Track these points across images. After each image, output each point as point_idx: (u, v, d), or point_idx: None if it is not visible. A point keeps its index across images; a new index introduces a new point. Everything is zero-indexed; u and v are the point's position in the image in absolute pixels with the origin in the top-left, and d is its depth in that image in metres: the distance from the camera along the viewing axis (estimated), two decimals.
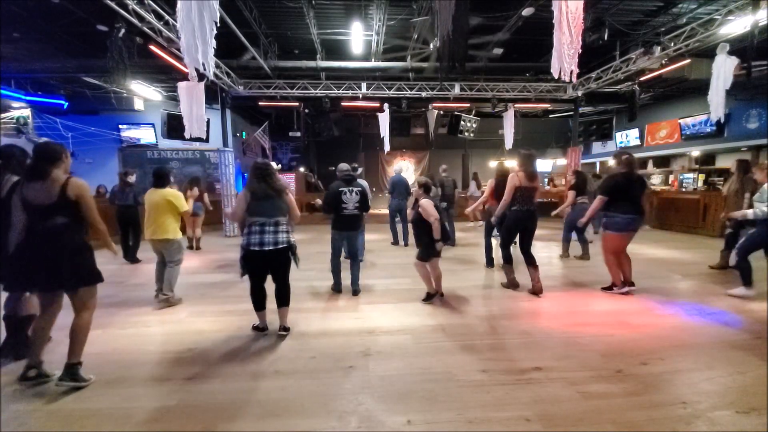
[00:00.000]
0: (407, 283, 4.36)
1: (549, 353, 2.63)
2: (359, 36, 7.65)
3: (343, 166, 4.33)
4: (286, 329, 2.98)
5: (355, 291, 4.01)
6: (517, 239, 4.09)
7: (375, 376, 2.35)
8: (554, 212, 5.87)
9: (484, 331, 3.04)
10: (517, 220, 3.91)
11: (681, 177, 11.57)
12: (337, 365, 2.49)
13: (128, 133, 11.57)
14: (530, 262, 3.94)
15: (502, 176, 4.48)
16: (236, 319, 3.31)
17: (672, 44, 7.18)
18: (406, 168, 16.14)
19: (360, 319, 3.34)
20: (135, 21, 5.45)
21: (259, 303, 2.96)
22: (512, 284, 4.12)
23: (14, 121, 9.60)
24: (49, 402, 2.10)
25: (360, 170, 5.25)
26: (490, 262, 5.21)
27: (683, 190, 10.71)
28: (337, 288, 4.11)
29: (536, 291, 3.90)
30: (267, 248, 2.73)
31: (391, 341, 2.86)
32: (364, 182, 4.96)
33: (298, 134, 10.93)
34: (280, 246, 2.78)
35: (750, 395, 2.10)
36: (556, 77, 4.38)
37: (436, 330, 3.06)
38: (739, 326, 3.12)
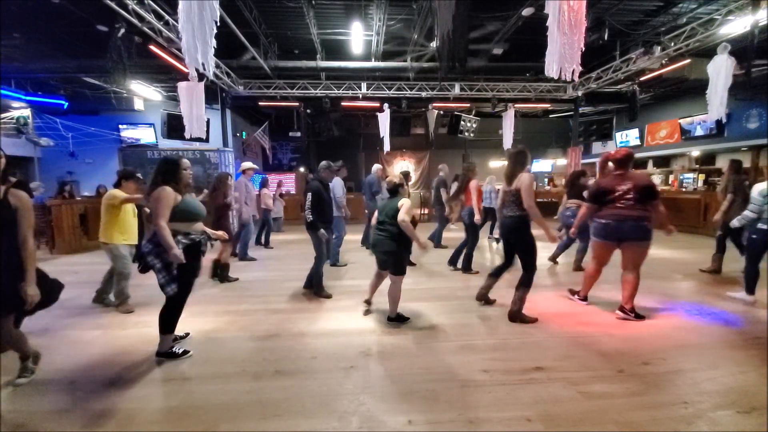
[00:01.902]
0: (407, 283, 4.32)
1: (550, 353, 2.63)
2: (359, 36, 7.65)
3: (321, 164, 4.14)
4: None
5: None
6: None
7: (376, 376, 2.35)
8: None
9: (485, 332, 3.04)
10: (500, 227, 3.50)
11: (681, 177, 11.58)
12: (337, 365, 2.48)
13: (128, 133, 11.57)
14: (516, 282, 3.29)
15: (465, 174, 4.79)
16: (237, 319, 3.31)
17: (672, 44, 7.18)
18: (406, 168, 16.14)
19: (361, 319, 3.33)
20: (135, 21, 5.45)
21: None
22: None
23: (14, 121, 9.59)
24: (49, 402, 2.09)
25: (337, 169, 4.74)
26: (460, 265, 5.00)
27: (683, 190, 10.72)
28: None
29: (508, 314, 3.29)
30: None
31: (391, 341, 2.86)
32: (337, 180, 4.86)
33: (298, 134, 10.94)
34: None
35: (751, 395, 2.10)
36: (555, 77, 4.35)
37: (437, 330, 3.06)
38: (740, 326, 3.12)
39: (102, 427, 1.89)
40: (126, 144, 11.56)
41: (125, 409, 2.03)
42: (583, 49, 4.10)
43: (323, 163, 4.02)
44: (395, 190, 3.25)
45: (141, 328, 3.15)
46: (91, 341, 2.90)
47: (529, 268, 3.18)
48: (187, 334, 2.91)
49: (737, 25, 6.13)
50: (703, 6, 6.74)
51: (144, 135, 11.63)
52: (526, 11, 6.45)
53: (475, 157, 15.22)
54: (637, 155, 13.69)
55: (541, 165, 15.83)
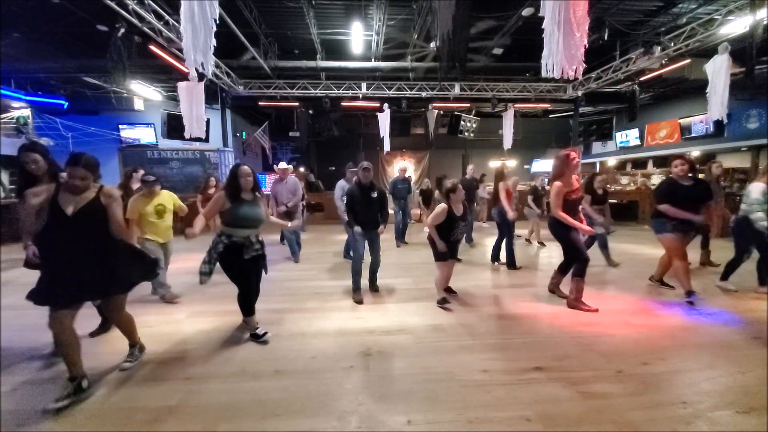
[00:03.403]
0: (407, 283, 4.36)
1: (549, 353, 2.63)
2: (359, 36, 7.65)
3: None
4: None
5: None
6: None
7: (375, 376, 2.35)
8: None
9: (484, 331, 3.04)
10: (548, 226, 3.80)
11: None
12: (337, 365, 2.48)
13: (128, 133, 11.56)
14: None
15: (497, 177, 5.07)
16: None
17: (672, 44, 7.19)
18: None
19: (360, 319, 3.34)
20: (135, 21, 5.45)
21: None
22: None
23: (14, 121, 9.60)
24: (48, 401, 2.09)
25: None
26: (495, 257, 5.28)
27: None
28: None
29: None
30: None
31: (391, 341, 2.86)
32: (340, 183, 5.10)
33: (298, 134, 10.94)
34: None
35: (750, 395, 2.10)
36: (557, 77, 4.34)
37: (437, 330, 3.06)
38: (739, 326, 3.12)
39: (101, 427, 1.89)
40: (126, 144, 11.55)
41: (124, 409, 2.03)
42: (586, 46, 4.09)
43: (361, 164, 3.98)
44: (447, 196, 3.55)
45: (141, 328, 3.14)
46: (91, 340, 2.90)
47: (576, 260, 3.57)
48: (265, 333, 2.94)
49: (737, 25, 6.14)
50: (703, 6, 6.74)
51: (144, 135, 11.61)
52: (526, 11, 6.45)
53: (475, 157, 15.23)
54: (637, 155, 13.78)
55: (541, 165, 15.83)
